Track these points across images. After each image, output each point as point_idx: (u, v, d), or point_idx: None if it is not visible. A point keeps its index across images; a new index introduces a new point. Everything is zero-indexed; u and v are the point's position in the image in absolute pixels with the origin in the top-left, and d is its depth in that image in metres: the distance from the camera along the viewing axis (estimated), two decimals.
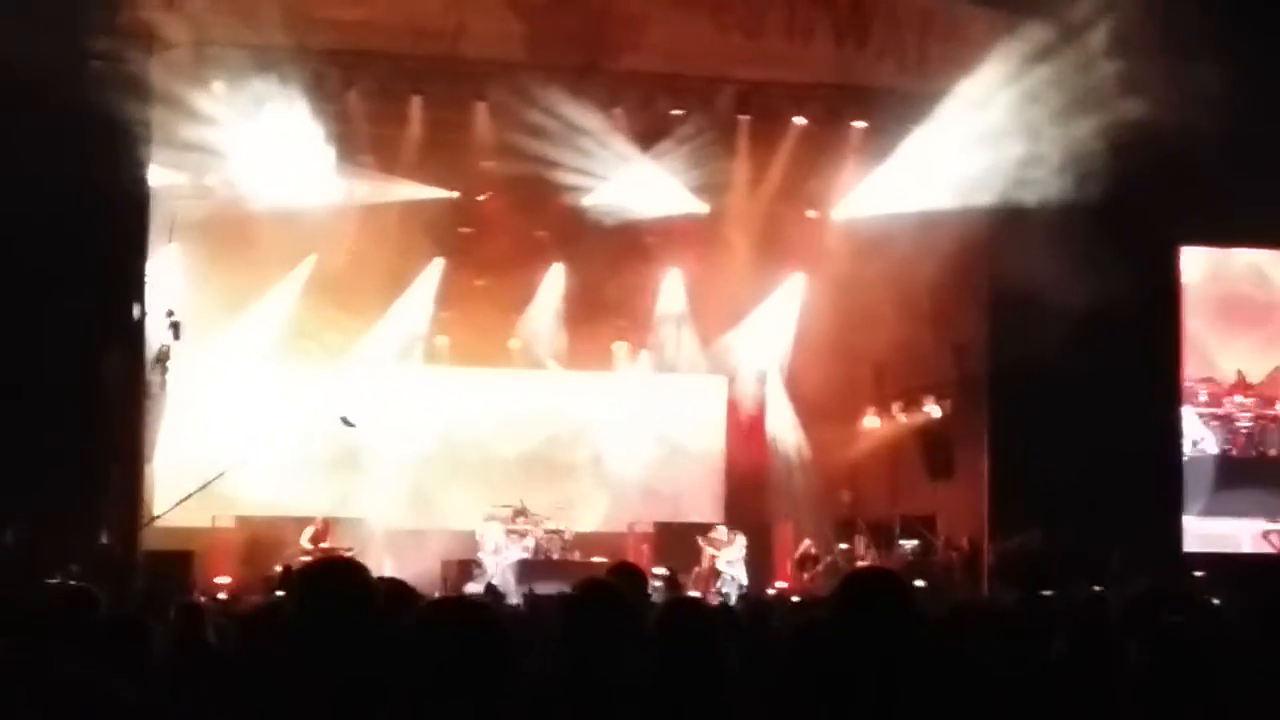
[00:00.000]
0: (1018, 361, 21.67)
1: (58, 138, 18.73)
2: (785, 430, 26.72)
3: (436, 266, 25.92)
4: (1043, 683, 6.85)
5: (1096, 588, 12.32)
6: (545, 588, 15.68)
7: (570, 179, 24.45)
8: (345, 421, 22.18)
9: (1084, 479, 21.04)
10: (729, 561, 23.93)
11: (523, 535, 23.74)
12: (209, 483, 21.29)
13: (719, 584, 23.41)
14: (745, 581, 23.52)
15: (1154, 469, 22.48)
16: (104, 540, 20.00)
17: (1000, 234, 21.87)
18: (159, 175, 21.66)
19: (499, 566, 22.91)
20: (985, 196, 21.70)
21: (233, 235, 23.94)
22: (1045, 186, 20.19)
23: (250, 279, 24.47)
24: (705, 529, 24.74)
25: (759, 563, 24.90)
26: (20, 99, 18.58)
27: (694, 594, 19.69)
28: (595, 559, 22.19)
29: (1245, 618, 5.57)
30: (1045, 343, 19.59)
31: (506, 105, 22.66)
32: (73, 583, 7.71)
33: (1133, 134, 19.42)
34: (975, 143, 21.89)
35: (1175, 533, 22.87)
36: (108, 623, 5.84)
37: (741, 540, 24.26)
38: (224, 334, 24.43)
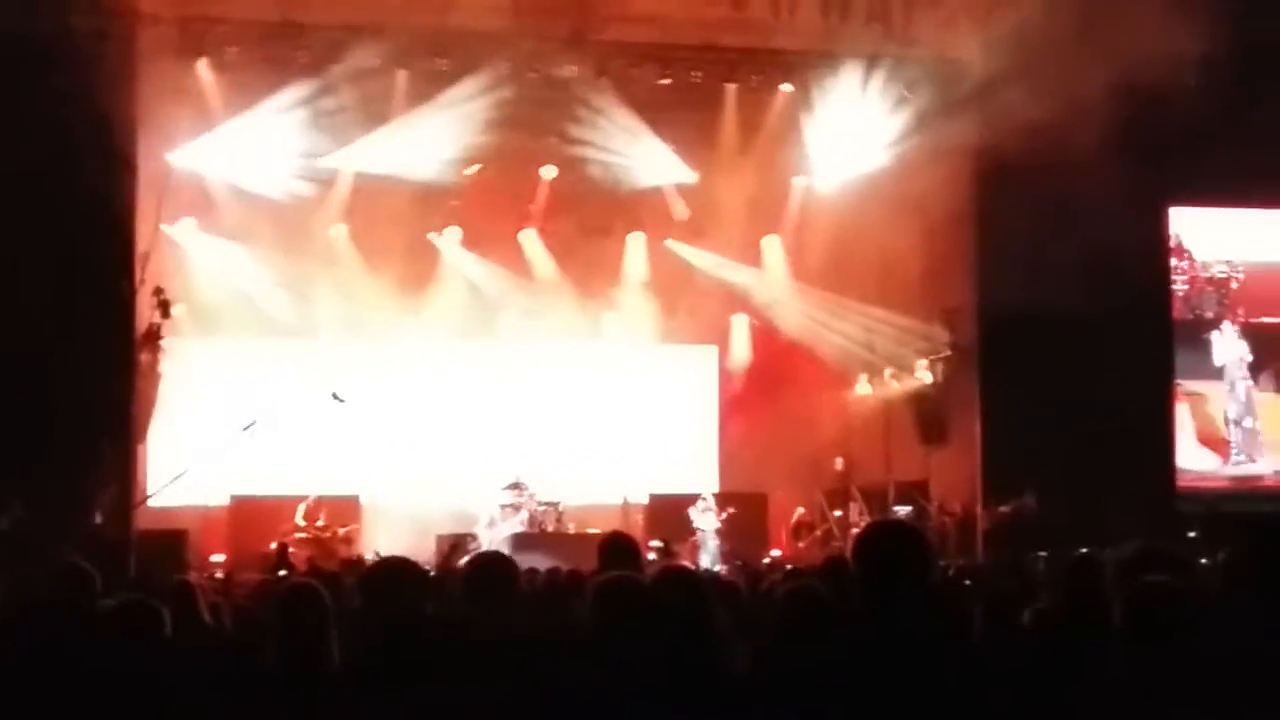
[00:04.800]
0: (1008, 325, 21.75)
1: (44, 116, 18.70)
2: (777, 398, 26.66)
3: (443, 238, 25.91)
4: (1032, 645, 6.87)
5: (1087, 550, 12.32)
6: (538, 561, 15.67)
7: (557, 149, 24.61)
8: (335, 397, 22.15)
9: (1077, 442, 21.13)
10: (704, 531, 24.01)
11: (517, 509, 23.72)
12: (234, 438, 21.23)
13: (698, 554, 23.40)
14: (714, 551, 23.54)
15: (1147, 430, 22.54)
16: (98, 520, 20.02)
17: (987, 196, 21.94)
18: (148, 154, 21.63)
19: (493, 540, 22.89)
20: (970, 158, 21.77)
21: (224, 214, 23.98)
22: (1032, 147, 20.14)
23: (241, 257, 24.41)
24: (694, 500, 24.74)
25: (754, 532, 24.91)
26: (5, 77, 18.60)
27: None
28: (590, 531, 22.24)
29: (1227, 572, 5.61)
30: (1035, 306, 19.60)
31: (493, 77, 22.74)
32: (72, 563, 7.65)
33: (1120, 92, 19.39)
34: (960, 104, 21.90)
35: (1168, 493, 22.94)
36: (119, 607, 5.85)
37: (709, 506, 24.26)
38: (217, 313, 24.36)
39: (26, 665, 6.40)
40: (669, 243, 26.59)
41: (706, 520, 24.12)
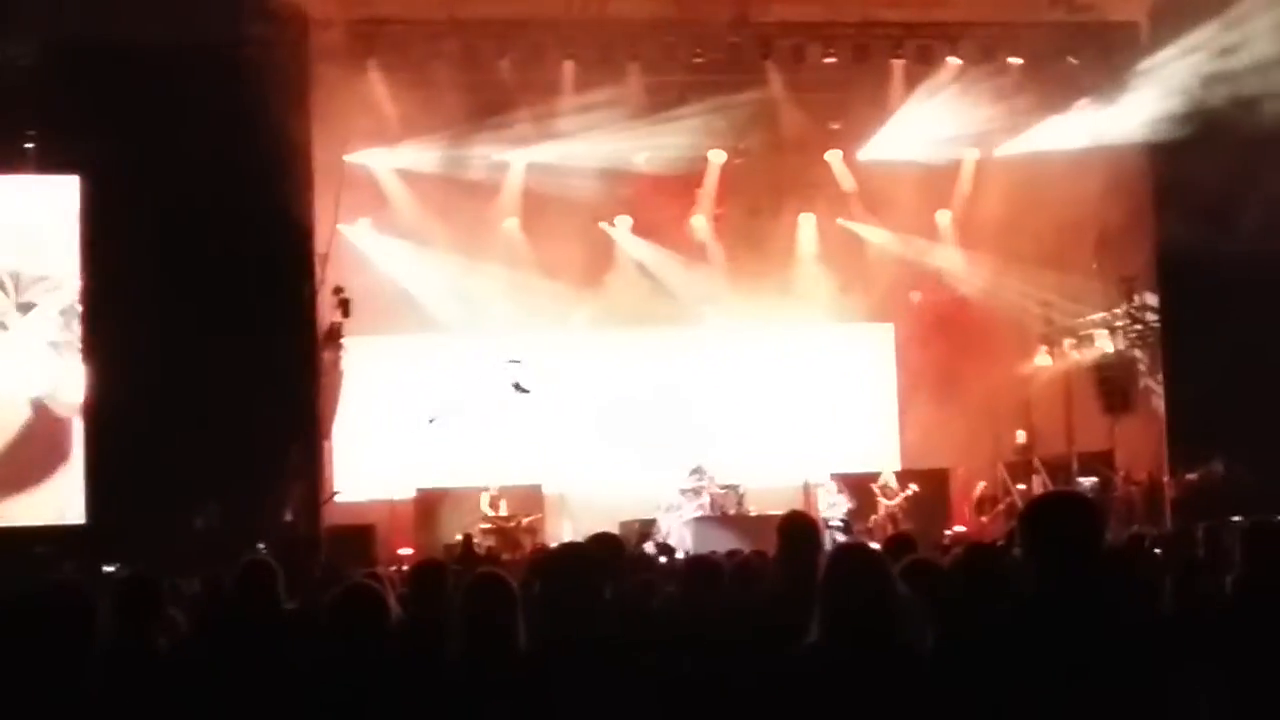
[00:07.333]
0: (1190, 289, 21.35)
1: (221, 124, 19.10)
2: (956, 371, 26.43)
3: (615, 227, 26.03)
4: (1221, 609, 6.77)
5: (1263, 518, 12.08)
6: (720, 543, 15.71)
7: (724, 132, 24.57)
8: (518, 388, 22.32)
9: (1266, 405, 20.66)
10: (830, 505, 23.77)
11: (699, 493, 23.73)
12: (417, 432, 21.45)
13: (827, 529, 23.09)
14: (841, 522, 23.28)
15: None
16: (288, 518, 20.43)
17: (1165, 157, 21.56)
18: (323, 155, 22.00)
19: (673, 525, 22.95)
20: (1146, 118, 21.41)
21: (399, 212, 24.36)
22: (1216, 113, 19.75)
23: (417, 254, 24.73)
24: (876, 478, 24.64)
25: (936, 507, 24.72)
26: (183, 87, 19.04)
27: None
28: (771, 512, 22.21)
29: None
30: (1218, 268, 19.23)
31: (659, 63, 22.85)
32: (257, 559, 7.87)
33: None
34: (1133, 65, 21.58)
35: None
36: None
37: (833, 490, 24.09)
38: (396, 310, 24.73)
39: (226, 656, 6.60)
40: (841, 221, 26.44)
41: (834, 506, 23.90)
